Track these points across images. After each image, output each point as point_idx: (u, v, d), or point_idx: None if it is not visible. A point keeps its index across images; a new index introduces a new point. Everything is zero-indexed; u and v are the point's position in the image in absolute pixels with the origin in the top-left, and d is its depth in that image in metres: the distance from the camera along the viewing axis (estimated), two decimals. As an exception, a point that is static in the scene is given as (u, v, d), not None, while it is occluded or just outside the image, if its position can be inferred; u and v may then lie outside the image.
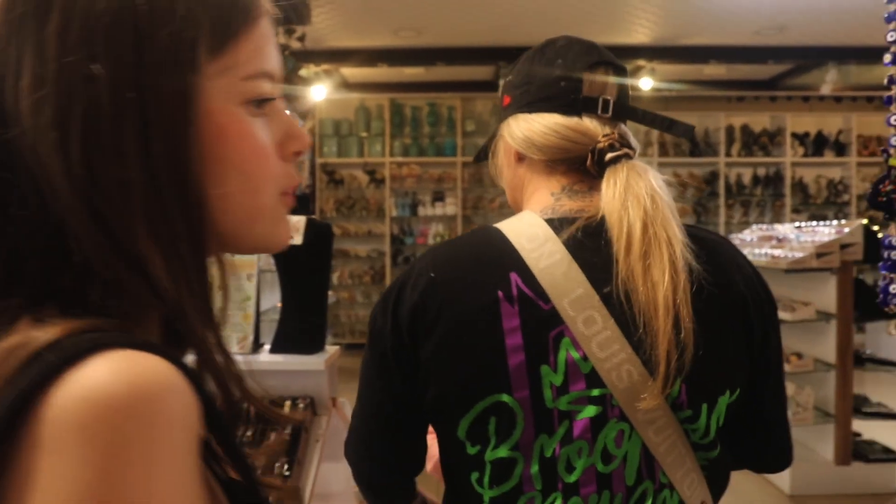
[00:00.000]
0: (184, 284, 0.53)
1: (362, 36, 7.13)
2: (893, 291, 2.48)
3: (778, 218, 9.09)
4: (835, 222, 5.19)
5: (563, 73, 1.11)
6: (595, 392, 0.99)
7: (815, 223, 5.50)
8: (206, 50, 0.55)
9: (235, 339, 2.22)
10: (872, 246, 4.93)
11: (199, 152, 0.54)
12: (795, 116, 9.29)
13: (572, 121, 1.09)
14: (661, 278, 0.97)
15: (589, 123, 1.09)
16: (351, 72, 8.54)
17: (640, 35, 7.09)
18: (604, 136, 1.08)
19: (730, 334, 1.05)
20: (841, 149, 9.27)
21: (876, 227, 5.01)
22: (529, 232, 1.05)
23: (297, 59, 5.74)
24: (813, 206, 9.28)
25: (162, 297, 0.52)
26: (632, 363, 0.98)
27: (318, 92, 7.59)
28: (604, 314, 0.99)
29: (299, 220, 2.15)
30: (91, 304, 0.51)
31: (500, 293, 1.01)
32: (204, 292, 0.57)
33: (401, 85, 8.94)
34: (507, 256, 1.03)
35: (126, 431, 0.42)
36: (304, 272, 2.21)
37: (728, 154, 9.28)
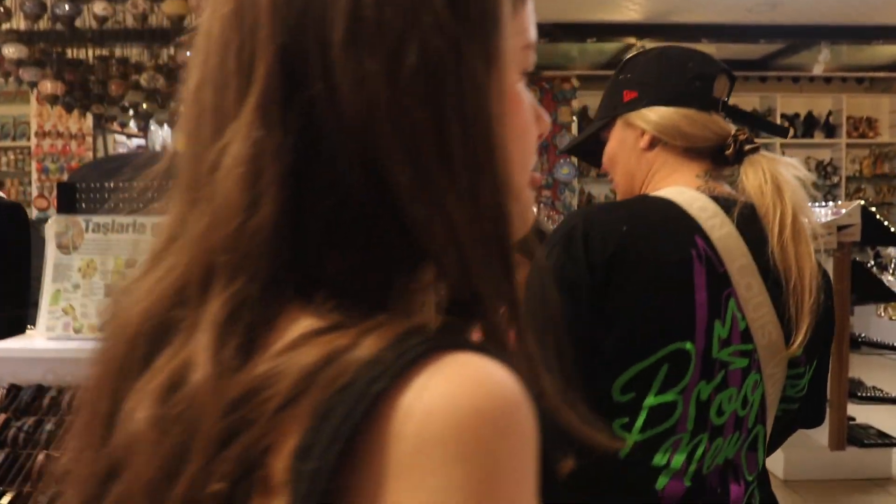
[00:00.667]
0: (491, 271, 0.46)
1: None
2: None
3: (766, 200, 8.94)
4: (831, 203, 5.05)
5: (697, 76, 1.31)
6: (747, 347, 1.19)
7: (812, 204, 5.31)
8: (510, 9, 0.51)
9: None
10: (869, 227, 4.80)
11: (501, 124, 0.48)
12: (785, 97, 9.13)
13: (709, 115, 1.29)
14: (808, 258, 1.18)
15: (719, 119, 1.31)
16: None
17: (630, 12, 6.88)
18: (738, 129, 1.29)
19: (827, 307, 1.24)
20: (831, 130, 9.13)
21: (873, 209, 4.88)
22: (698, 204, 1.22)
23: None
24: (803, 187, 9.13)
25: (471, 286, 0.45)
26: (773, 325, 1.19)
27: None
28: (759, 282, 1.19)
29: None
30: (369, 294, 0.45)
31: (692, 251, 1.17)
32: (514, 286, 0.47)
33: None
34: (688, 221, 1.20)
35: (496, 449, 0.38)
36: None
37: (717, 135, 9.11)
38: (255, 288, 0.44)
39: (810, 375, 1.28)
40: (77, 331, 2.04)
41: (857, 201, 4.88)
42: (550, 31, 7.26)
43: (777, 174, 1.23)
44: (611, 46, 7.90)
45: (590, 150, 1.51)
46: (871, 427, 4.98)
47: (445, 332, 0.44)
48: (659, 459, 1.15)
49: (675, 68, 1.33)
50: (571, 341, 0.97)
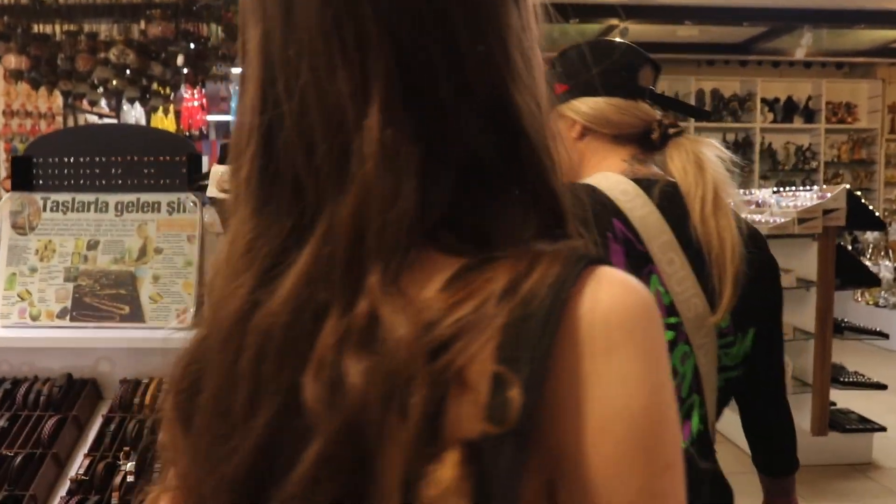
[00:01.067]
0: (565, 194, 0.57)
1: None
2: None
3: (747, 184, 8.88)
4: (815, 188, 4.97)
5: (623, 67, 1.39)
6: (672, 320, 1.24)
7: (794, 188, 5.29)
8: None
9: (174, 311, 1.86)
10: (855, 212, 4.73)
11: None
12: (766, 82, 9.07)
13: (635, 103, 1.38)
14: (729, 232, 1.24)
15: (645, 106, 1.38)
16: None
17: (614, -7, 6.76)
18: (662, 115, 1.38)
19: (759, 284, 1.30)
20: (810, 115, 9.09)
21: (858, 192, 4.81)
22: (620, 188, 1.30)
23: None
24: (781, 172, 9.11)
25: (561, 209, 0.56)
26: (699, 297, 1.25)
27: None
28: (681, 257, 1.25)
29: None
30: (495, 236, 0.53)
31: (608, 234, 1.24)
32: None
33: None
34: (608, 205, 1.27)
35: (654, 333, 0.51)
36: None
37: (698, 119, 9.04)
38: (404, 256, 0.50)
39: (748, 346, 1.33)
40: (34, 318, 1.89)
41: (843, 185, 4.81)
42: (534, 11, 7.12)
43: (699, 154, 1.31)
44: (592, 28, 7.77)
45: None
46: (853, 412, 4.95)
47: (585, 253, 0.52)
48: None
49: (602, 61, 1.42)
50: None
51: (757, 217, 4.89)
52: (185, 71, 5.16)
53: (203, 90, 7.67)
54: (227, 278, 0.53)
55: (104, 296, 1.87)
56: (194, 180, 1.88)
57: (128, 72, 4.60)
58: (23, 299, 1.89)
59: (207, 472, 0.52)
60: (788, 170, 9.09)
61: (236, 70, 6.20)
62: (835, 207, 4.66)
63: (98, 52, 4.58)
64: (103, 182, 1.93)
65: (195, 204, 1.90)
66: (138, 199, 1.92)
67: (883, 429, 4.72)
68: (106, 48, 4.53)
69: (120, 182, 1.92)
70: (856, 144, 9.19)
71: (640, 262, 1.24)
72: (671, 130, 1.34)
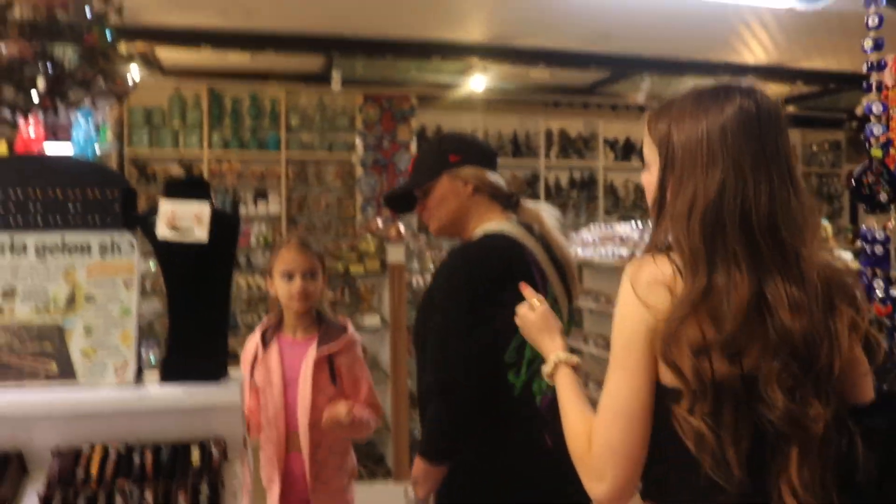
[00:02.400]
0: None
1: (185, 13, 6.32)
2: (876, 287, 2.35)
3: (592, 219, 9.33)
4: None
5: (489, 149, 2.21)
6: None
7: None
8: None
9: (111, 368, 1.62)
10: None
11: None
12: (607, 123, 9.61)
13: (498, 174, 2.14)
14: (569, 252, 2.14)
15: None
16: (166, 56, 7.61)
17: (475, 33, 6.90)
18: (514, 184, 2.83)
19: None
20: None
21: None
22: (516, 230, 2.03)
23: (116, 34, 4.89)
24: (623, 208, 9.64)
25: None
26: (563, 297, 2.04)
27: (133, 74, 6.65)
28: (554, 272, 2.03)
29: (201, 209, 1.61)
30: None
31: (530, 262, 1.99)
32: None
33: (220, 73, 8.11)
34: (519, 244, 2.00)
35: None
36: (203, 275, 1.66)
37: (547, 156, 9.40)
38: None
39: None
40: (-65, 380, 1.57)
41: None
42: (396, 48, 7.13)
43: (539, 210, 2.12)
44: (448, 67, 7.90)
45: (397, 200, 2.21)
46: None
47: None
48: (535, 388, 1.90)
49: (479, 142, 2.22)
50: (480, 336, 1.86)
51: (624, 251, 5.11)
52: (39, 97, 4.68)
53: (40, 117, 7.00)
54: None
55: (25, 353, 1.59)
56: (136, 217, 1.66)
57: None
58: (-81, 359, 1.57)
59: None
60: (629, 206, 9.63)
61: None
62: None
63: (-61, 72, 4.04)
64: (19, 220, 1.66)
65: (132, 245, 1.68)
66: (63, 240, 1.66)
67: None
68: (-49, 68, 4.00)
69: (40, 220, 1.66)
70: (685, 182, 9.92)
71: (544, 279, 1.96)
72: (520, 196, 2.12)
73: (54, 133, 8.20)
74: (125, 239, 1.68)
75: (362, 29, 6.77)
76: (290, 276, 2.32)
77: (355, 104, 8.67)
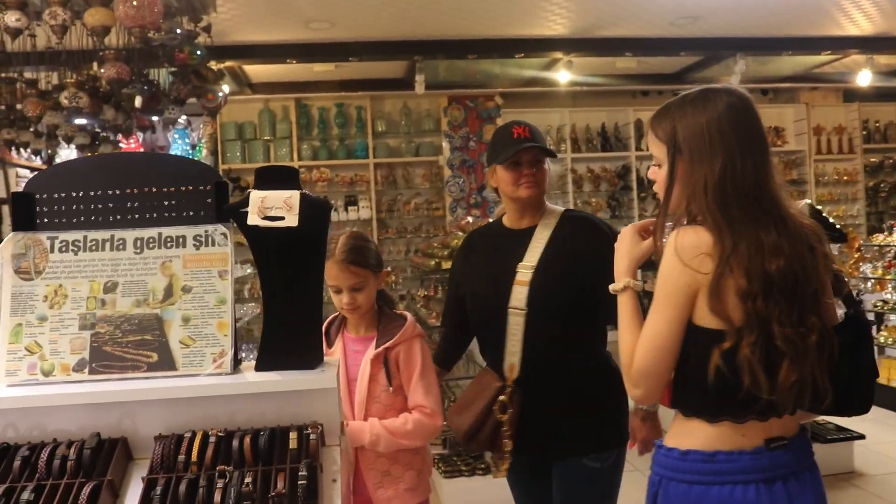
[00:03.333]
0: None
1: (270, 29, 6.50)
2: None
3: (687, 209, 9.03)
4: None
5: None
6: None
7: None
8: None
9: (210, 356, 1.65)
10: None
11: None
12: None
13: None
14: None
15: None
16: (253, 71, 7.85)
17: (557, 27, 6.80)
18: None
19: None
20: (742, 140, 9.33)
21: (819, 207, 4.88)
22: None
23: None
24: (719, 196, 9.28)
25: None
26: None
27: (224, 89, 6.89)
28: None
29: (291, 196, 1.62)
30: None
31: None
32: None
33: (306, 84, 8.32)
34: None
35: None
36: (295, 263, 1.67)
37: (638, 148, 9.18)
38: None
39: None
40: (46, 373, 1.64)
41: (805, 200, 4.87)
42: (478, 47, 7.11)
43: None
44: (531, 62, 7.83)
45: (539, 149, 2.41)
46: (830, 423, 4.97)
47: None
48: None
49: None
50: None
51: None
52: (137, 115, 4.90)
53: (140, 138, 7.33)
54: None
55: (127, 343, 1.64)
56: (228, 208, 1.68)
57: (78, 118, 4.31)
58: (32, 353, 1.64)
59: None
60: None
61: (184, 117, 5.88)
62: (799, 222, 4.72)
63: (47, 96, 4.28)
64: (118, 217, 1.71)
65: (225, 236, 1.70)
66: (160, 234, 1.70)
67: (862, 436, 4.74)
68: (57, 91, 4.24)
69: (137, 216, 1.70)
70: (787, 166, 9.48)
71: None
72: None
73: (153, 151, 8.60)
74: (219, 231, 1.70)
75: (443, 30, 6.79)
76: (337, 291, 2.29)
77: (440, 106, 8.71)
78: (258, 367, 1.66)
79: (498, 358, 2.34)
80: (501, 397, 2.28)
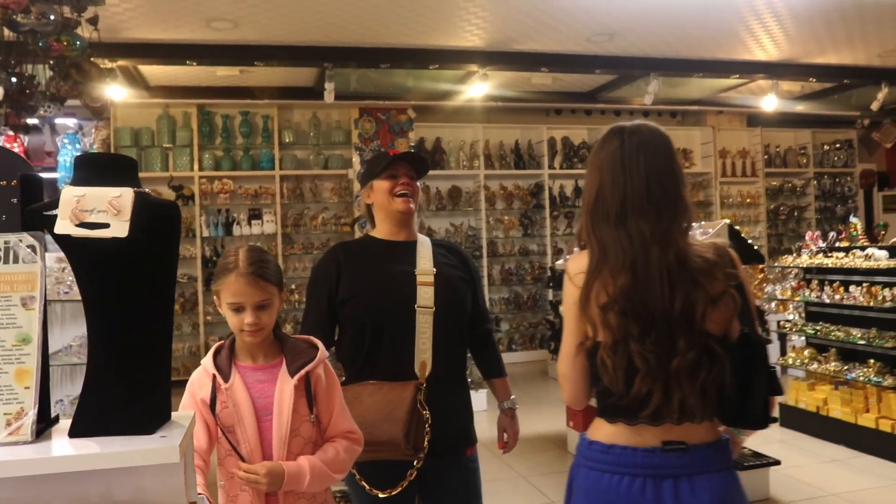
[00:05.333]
0: None
1: (168, 27, 5.91)
2: None
3: (598, 228, 8.88)
4: (695, 224, 4.83)
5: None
6: None
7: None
8: None
9: (2, 419, 1.15)
10: (737, 246, 4.60)
11: None
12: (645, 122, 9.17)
13: None
14: None
15: None
16: (152, 74, 7.21)
17: (473, 38, 6.48)
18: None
19: None
20: (652, 160, 9.27)
21: (738, 227, 4.71)
22: None
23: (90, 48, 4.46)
24: (630, 215, 9.18)
25: None
26: None
27: (116, 93, 6.23)
28: None
29: (121, 196, 1.14)
30: None
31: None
32: None
33: (209, 90, 7.71)
34: None
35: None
36: (129, 286, 1.20)
37: (551, 166, 8.97)
38: None
39: None
40: None
41: (724, 220, 4.67)
42: (392, 56, 6.71)
43: None
44: (445, 76, 7.51)
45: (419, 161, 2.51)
46: (745, 448, 4.77)
47: None
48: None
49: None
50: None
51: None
52: (5, 111, 4.26)
53: (24, 142, 6.57)
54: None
55: None
56: (32, 211, 1.19)
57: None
58: None
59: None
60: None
61: (74, 121, 5.23)
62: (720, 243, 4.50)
63: None
64: None
65: (34, 250, 1.21)
66: (-62, 245, 1.20)
67: (777, 462, 4.55)
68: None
69: None
70: (694, 187, 9.47)
71: None
72: None
73: (39, 157, 7.79)
74: (24, 242, 1.22)
75: (355, 37, 6.36)
76: (238, 309, 1.90)
77: (350, 118, 8.26)
78: (72, 433, 1.17)
79: (406, 358, 2.30)
80: (419, 396, 2.26)
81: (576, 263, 1.70)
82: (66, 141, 7.91)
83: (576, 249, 1.77)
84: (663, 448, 1.61)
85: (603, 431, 1.69)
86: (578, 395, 1.73)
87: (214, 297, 1.97)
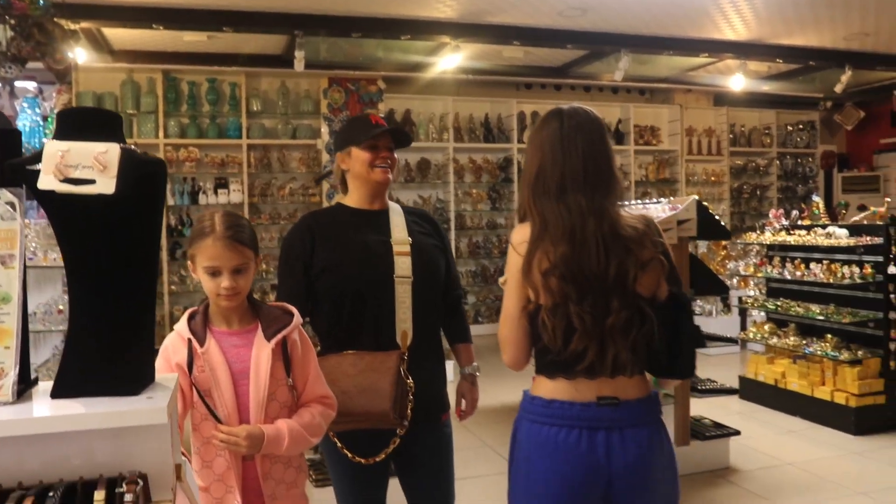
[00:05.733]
0: None
1: (133, -12, 5.74)
2: None
3: (566, 203, 8.92)
4: (664, 200, 4.88)
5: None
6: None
7: (638, 202, 5.20)
8: None
9: (-19, 378, 1.12)
10: (704, 222, 4.67)
11: None
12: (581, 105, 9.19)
13: None
14: None
15: None
16: (117, 37, 7.01)
17: (446, 9, 6.41)
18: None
19: None
20: (620, 137, 9.33)
21: (706, 203, 4.76)
22: None
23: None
24: (597, 191, 9.24)
25: None
26: None
27: (78, 56, 6.05)
28: None
29: (108, 151, 1.11)
30: None
31: None
32: None
33: (176, 55, 7.53)
34: None
35: None
36: (114, 245, 1.17)
37: (521, 140, 8.97)
38: None
39: None
40: None
41: (692, 196, 4.72)
42: (363, 26, 6.62)
43: None
44: (417, 47, 7.43)
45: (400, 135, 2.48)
46: (705, 418, 4.87)
47: None
48: None
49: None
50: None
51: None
52: (-37, 70, 4.10)
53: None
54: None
55: None
56: (13, 165, 1.15)
57: None
58: None
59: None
60: (604, 189, 9.25)
61: (34, 84, 5.09)
62: (687, 218, 4.56)
63: None
64: None
65: (13, 206, 1.17)
66: (-88, 201, 1.15)
67: (737, 432, 4.67)
68: None
69: None
70: (660, 164, 9.56)
71: None
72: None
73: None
74: (2, 198, 1.18)
75: (326, 5, 6.24)
76: (215, 273, 1.89)
77: (320, 87, 8.15)
78: (55, 393, 1.15)
79: (388, 328, 2.30)
80: (402, 366, 2.27)
81: (519, 234, 1.84)
82: (25, 105, 7.68)
83: (516, 223, 1.90)
84: (598, 403, 1.78)
85: (544, 388, 1.84)
86: (519, 356, 1.87)
87: (189, 263, 1.95)
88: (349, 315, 2.30)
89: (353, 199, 2.41)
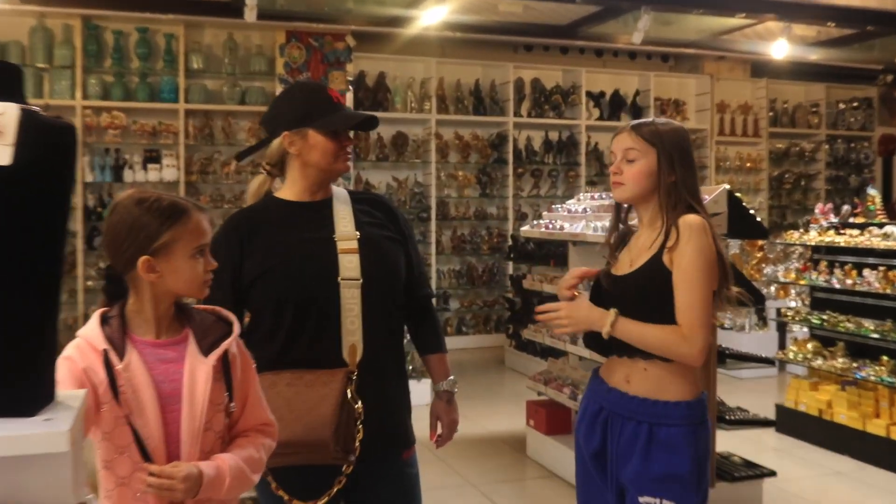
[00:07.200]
0: None
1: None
2: None
3: (571, 191, 8.97)
4: (690, 188, 4.88)
5: None
6: None
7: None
8: None
9: None
10: (737, 217, 4.68)
11: None
12: (591, 72, 9.23)
13: None
14: None
15: None
16: (24, -27, 6.94)
17: (430, -49, 6.41)
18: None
19: None
20: (638, 112, 9.38)
21: (739, 194, 4.78)
22: None
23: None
24: (608, 176, 9.28)
25: None
26: None
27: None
28: None
29: (4, 113, 1.08)
30: None
31: None
32: None
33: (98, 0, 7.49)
34: None
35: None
36: (10, 230, 1.14)
37: (518, 114, 8.98)
38: None
39: None
40: None
41: (723, 185, 4.74)
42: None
43: None
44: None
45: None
46: (734, 455, 4.90)
47: None
48: None
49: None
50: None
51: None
52: None
53: None
54: None
55: None
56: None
57: None
58: None
59: None
60: (618, 174, 9.31)
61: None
62: (716, 212, 4.57)
63: None
64: None
65: None
66: None
67: (773, 473, 4.69)
68: None
69: None
70: (686, 146, 9.61)
71: None
72: None
73: None
74: None
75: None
76: (202, 252, 1.91)
77: (275, 43, 8.14)
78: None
79: (332, 341, 2.30)
80: (350, 387, 2.24)
81: (702, 221, 2.29)
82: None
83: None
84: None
85: (695, 385, 2.36)
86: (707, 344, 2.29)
87: (144, 262, 1.84)
88: (287, 327, 2.30)
89: (294, 189, 2.42)
